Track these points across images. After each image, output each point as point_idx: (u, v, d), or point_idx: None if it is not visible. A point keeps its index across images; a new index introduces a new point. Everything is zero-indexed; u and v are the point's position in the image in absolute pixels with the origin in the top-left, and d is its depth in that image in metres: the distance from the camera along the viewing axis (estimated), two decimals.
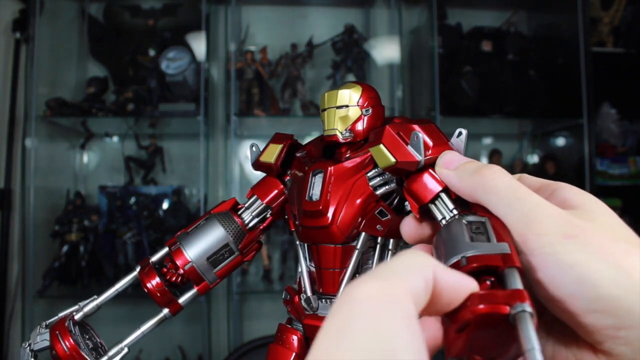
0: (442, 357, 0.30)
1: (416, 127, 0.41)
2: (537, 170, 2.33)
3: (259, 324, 2.27)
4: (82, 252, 2.08)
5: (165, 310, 0.50)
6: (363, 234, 0.44)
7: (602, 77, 2.15)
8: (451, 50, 2.28)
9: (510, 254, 0.30)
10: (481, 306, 0.27)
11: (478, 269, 0.30)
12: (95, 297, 0.51)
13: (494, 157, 2.39)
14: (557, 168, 2.28)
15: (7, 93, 2.21)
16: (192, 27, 2.22)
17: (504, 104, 2.23)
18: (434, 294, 0.26)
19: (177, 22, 2.32)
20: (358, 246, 0.45)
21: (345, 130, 0.45)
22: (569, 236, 0.30)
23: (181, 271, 0.49)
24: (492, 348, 0.28)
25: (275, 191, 0.51)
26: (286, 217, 0.51)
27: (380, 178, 0.44)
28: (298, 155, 0.50)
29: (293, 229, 0.48)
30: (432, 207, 0.40)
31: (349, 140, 0.45)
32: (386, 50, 2.34)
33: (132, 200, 2.20)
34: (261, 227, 0.52)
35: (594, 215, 0.32)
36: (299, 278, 0.48)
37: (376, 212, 0.44)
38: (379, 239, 0.46)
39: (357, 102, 0.45)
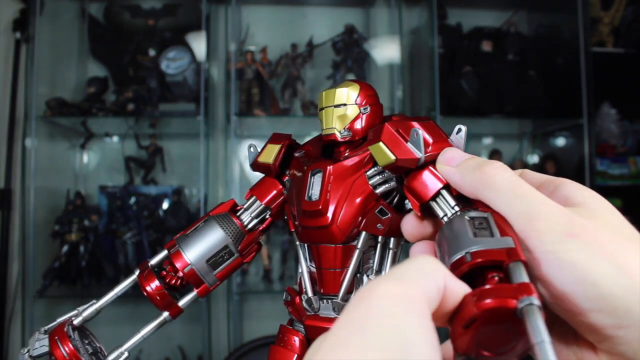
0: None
1: (415, 124, 0.41)
2: (537, 171, 2.28)
3: (259, 324, 2.27)
4: (82, 252, 2.08)
5: (165, 314, 0.49)
6: (363, 233, 0.44)
7: (602, 77, 2.15)
8: (451, 50, 2.28)
9: (514, 248, 0.30)
10: (488, 301, 0.26)
11: (483, 264, 0.30)
12: (94, 301, 0.51)
13: (494, 157, 2.39)
14: (557, 168, 2.28)
15: (7, 93, 2.20)
16: (192, 27, 2.22)
17: (504, 104, 2.23)
18: (442, 300, 0.26)
19: (177, 22, 2.32)
20: (359, 245, 0.44)
21: (344, 129, 0.45)
22: (571, 235, 0.30)
23: (180, 274, 0.48)
24: (500, 343, 0.28)
25: (274, 192, 0.50)
26: (285, 217, 0.50)
27: (380, 176, 0.44)
28: (296, 155, 0.50)
29: (293, 230, 0.48)
30: (433, 204, 0.39)
31: (347, 139, 0.45)
32: (386, 50, 2.34)
33: (132, 200, 2.20)
34: (260, 228, 0.51)
35: (596, 213, 0.32)
36: (300, 279, 0.48)
37: (376, 210, 0.44)
38: (380, 237, 0.45)
39: (355, 101, 0.45)
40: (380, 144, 0.41)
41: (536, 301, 0.26)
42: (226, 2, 2.25)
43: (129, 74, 2.26)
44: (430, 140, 0.40)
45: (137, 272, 0.51)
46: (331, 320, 0.45)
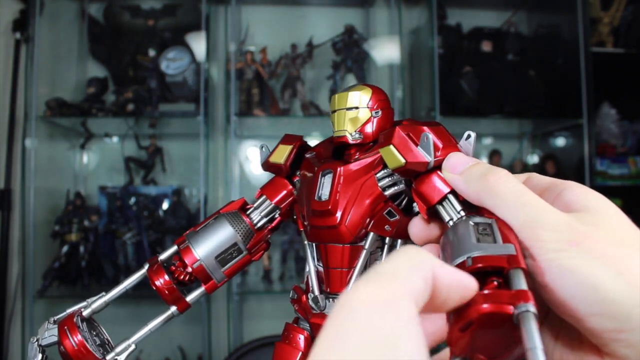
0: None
1: (426, 128, 0.41)
2: (537, 171, 2.29)
3: (259, 324, 2.27)
4: (82, 252, 2.08)
5: (173, 308, 0.50)
6: (371, 234, 0.45)
7: (602, 77, 2.15)
8: (451, 51, 2.28)
9: (515, 255, 0.31)
10: (485, 306, 0.27)
11: (483, 270, 0.31)
12: (104, 293, 0.51)
13: (494, 157, 2.40)
14: (557, 168, 2.29)
15: (7, 93, 2.20)
16: (192, 27, 2.23)
17: (504, 104, 2.23)
18: (433, 291, 0.26)
19: (177, 22, 2.32)
20: (366, 246, 0.45)
21: (355, 131, 0.46)
22: (573, 242, 0.30)
23: (189, 269, 0.49)
24: (495, 348, 0.29)
25: (284, 191, 0.51)
26: (294, 217, 0.51)
27: (390, 179, 0.44)
28: (307, 156, 0.50)
29: (302, 229, 0.49)
30: (440, 208, 0.40)
31: (358, 141, 0.46)
32: (386, 51, 2.34)
33: (132, 200, 2.20)
34: (269, 227, 0.52)
35: (599, 218, 0.32)
36: (307, 277, 0.49)
37: (385, 212, 0.44)
38: (387, 239, 0.46)
39: (367, 104, 0.46)
40: (391, 147, 0.41)
41: (532, 308, 0.26)
42: (226, 2, 2.25)
43: (128, 74, 2.26)
44: (440, 145, 0.40)
45: (146, 267, 0.52)
46: None
